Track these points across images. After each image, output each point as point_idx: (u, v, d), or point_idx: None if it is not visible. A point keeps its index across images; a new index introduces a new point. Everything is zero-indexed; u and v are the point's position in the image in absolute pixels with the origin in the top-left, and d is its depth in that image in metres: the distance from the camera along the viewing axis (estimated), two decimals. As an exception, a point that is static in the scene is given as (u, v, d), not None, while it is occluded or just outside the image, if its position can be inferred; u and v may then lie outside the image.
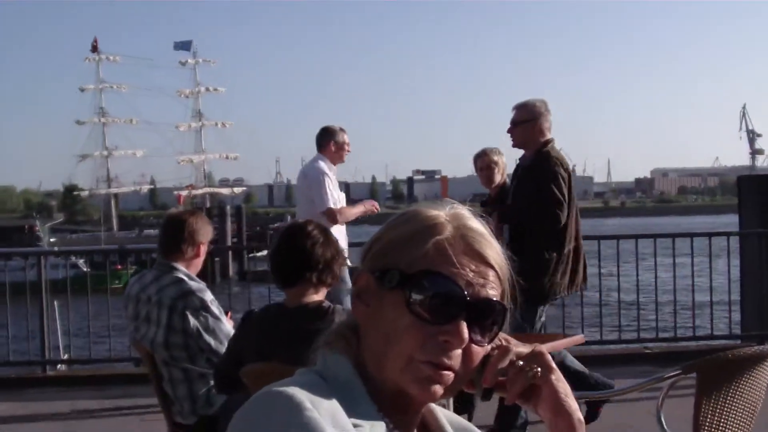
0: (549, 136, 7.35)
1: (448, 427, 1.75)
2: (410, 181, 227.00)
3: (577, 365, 7.43)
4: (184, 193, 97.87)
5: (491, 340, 1.63)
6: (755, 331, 10.80)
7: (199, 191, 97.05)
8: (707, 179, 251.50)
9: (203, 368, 5.16)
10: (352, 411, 1.52)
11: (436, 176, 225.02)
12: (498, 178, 8.19)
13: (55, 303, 11.43)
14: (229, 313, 5.44)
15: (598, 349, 10.72)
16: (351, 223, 9.13)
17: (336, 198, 8.85)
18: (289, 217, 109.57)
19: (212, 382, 4.89)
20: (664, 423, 4.59)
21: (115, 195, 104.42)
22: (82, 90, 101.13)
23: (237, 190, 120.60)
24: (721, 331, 11.22)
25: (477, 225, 1.65)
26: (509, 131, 7.48)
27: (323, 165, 8.93)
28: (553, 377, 1.63)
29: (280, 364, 3.78)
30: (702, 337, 11.05)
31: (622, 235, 11.56)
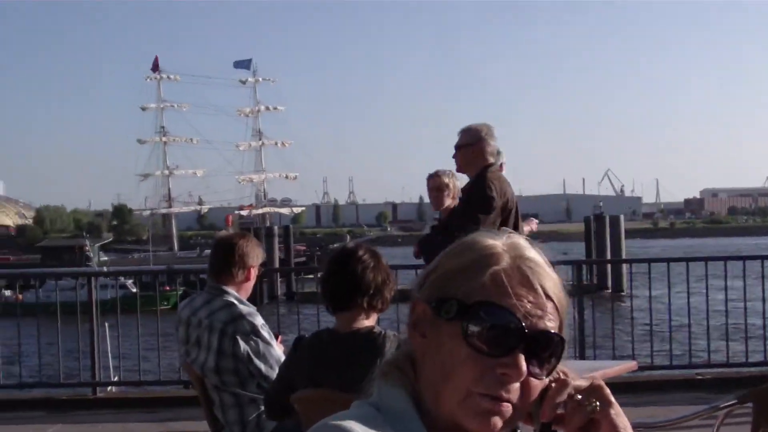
0: (491, 160, 7.21)
1: None
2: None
3: None
4: (244, 212, 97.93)
5: (549, 373, 1.61)
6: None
7: (260, 210, 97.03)
8: (758, 199, 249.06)
9: (254, 393, 5.14)
10: None
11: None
12: (448, 201, 7.76)
13: (106, 324, 11.50)
14: (279, 338, 5.43)
15: (648, 375, 10.57)
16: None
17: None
18: (348, 237, 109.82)
19: (263, 408, 4.87)
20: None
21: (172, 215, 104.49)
22: (144, 109, 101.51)
23: (297, 209, 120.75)
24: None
25: (535, 255, 1.64)
26: (453, 155, 7.39)
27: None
28: (612, 412, 1.60)
29: (331, 390, 3.77)
30: (756, 363, 10.85)
31: (673, 258, 11.45)
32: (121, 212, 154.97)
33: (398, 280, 6.95)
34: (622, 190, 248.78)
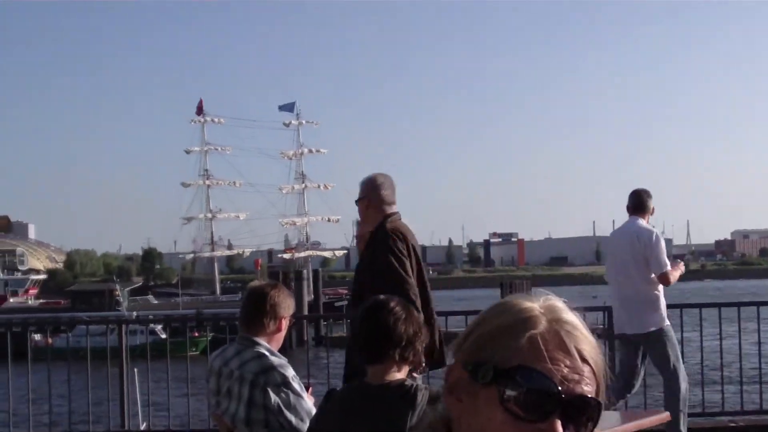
0: (390, 209, 7.18)
1: None
2: (487, 243, 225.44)
3: None
4: (287, 255, 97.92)
5: (586, 437, 1.58)
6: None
7: (302, 254, 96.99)
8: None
9: (284, 445, 5.12)
10: None
11: (513, 239, 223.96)
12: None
13: (135, 370, 11.52)
14: (310, 389, 5.41)
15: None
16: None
17: None
18: None
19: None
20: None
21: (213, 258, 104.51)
22: (188, 152, 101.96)
23: (338, 253, 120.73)
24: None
25: (572, 318, 1.62)
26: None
27: (653, 227, 9.22)
28: None
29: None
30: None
31: (705, 303, 11.38)
32: (150, 256, 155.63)
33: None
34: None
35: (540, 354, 1.54)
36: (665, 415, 6.69)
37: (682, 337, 11.01)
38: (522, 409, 1.52)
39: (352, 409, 4.09)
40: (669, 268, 8.92)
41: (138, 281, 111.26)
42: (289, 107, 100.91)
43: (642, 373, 9.21)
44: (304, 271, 63.66)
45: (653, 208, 9.29)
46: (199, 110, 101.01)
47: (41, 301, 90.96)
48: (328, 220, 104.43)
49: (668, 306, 8.99)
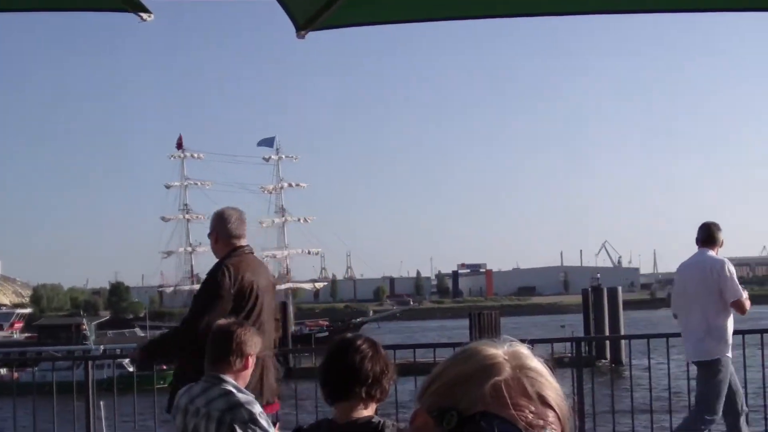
0: (238, 243, 7.29)
1: None
2: (455, 275, 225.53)
3: None
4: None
5: (551, 482, 1.58)
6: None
7: (283, 286, 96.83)
8: (755, 269, 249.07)
9: (251, 482, 5.09)
10: None
11: (481, 270, 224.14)
12: None
13: (101, 404, 11.42)
14: (278, 425, 5.40)
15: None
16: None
17: None
18: (371, 312, 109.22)
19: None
20: None
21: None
22: (168, 187, 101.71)
23: (318, 285, 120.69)
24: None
25: (536, 364, 1.63)
26: None
27: (723, 258, 9.41)
28: None
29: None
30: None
31: (672, 333, 11.43)
32: (118, 290, 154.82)
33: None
34: (619, 262, 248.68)
35: (504, 400, 1.54)
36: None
37: (650, 370, 11.12)
38: (487, 454, 1.52)
39: (320, 447, 4.08)
40: (745, 295, 9.09)
41: (105, 315, 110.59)
42: (268, 142, 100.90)
43: (741, 393, 9.36)
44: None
45: (722, 240, 9.47)
46: (179, 145, 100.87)
47: (27, 335, 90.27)
48: (308, 253, 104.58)
49: (635, 336, 9.05)
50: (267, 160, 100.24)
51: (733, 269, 9.34)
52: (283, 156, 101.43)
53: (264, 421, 5.14)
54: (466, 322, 59.52)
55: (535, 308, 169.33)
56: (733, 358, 9.75)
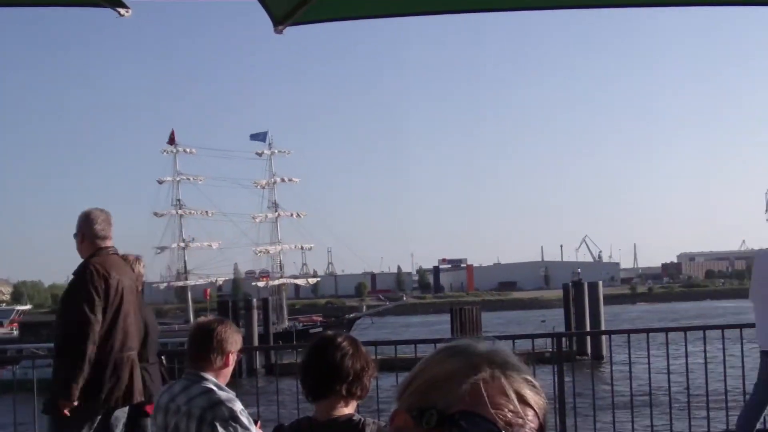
0: (103, 243, 7.39)
1: None
2: (436, 270, 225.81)
3: None
4: (261, 284, 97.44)
5: (531, 479, 1.58)
6: None
7: (276, 282, 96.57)
8: (734, 263, 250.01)
9: (233, 481, 5.08)
10: None
11: (462, 265, 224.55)
12: None
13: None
14: (259, 423, 5.38)
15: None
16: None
17: None
18: (365, 307, 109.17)
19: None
20: None
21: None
22: (160, 182, 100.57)
23: (311, 280, 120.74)
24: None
25: (515, 363, 1.63)
26: None
27: None
28: None
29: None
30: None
31: (653, 328, 11.51)
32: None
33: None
34: (599, 256, 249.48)
35: (483, 400, 1.54)
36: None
37: (630, 366, 11.15)
38: (466, 453, 1.52)
39: (301, 445, 4.08)
40: None
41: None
42: (261, 137, 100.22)
43: None
44: (254, 300, 63.07)
45: None
46: (171, 141, 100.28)
47: None
48: (301, 248, 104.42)
49: (616, 331, 9.04)
50: (260, 155, 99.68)
51: None
52: (276, 151, 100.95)
53: (245, 418, 5.12)
54: (447, 317, 59.60)
55: (516, 303, 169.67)
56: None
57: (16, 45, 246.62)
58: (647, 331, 11.07)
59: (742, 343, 10.55)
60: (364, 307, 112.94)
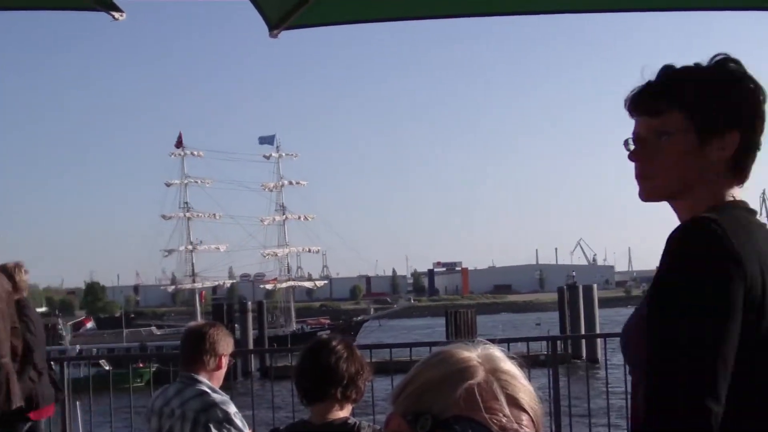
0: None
1: None
2: (431, 273, 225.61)
3: None
4: (269, 286, 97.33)
5: (525, 483, 1.58)
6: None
7: (284, 284, 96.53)
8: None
9: (227, 483, 5.08)
10: None
11: (457, 268, 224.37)
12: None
13: (77, 404, 11.36)
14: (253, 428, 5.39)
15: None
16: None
17: None
18: (372, 310, 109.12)
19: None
20: None
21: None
22: (168, 185, 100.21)
23: (319, 283, 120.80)
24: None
25: (509, 367, 1.63)
26: None
27: None
28: None
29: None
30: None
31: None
32: (93, 289, 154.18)
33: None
34: (594, 259, 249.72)
35: (477, 404, 1.54)
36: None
37: (625, 368, 11.14)
38: (461, 458, 1.52)
39: (296, 449, 4.08)
40: None
41: (81, 315, 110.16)
42: (269, 140, 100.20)
43: None
44: (249, 303, 63.12)
45: None
46: (179, 143, 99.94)
47: None
48: (309, 251, 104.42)
49: (610, 335, 9.01)
50: (267, 158, 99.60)
51: None
52: (284, 154, 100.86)
53: (239, 420, 5.12)
54: (442, 320, 59.62)
55: (511, 306, 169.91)
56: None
57: (16, 46, 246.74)
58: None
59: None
60: (372, 309, 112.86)
